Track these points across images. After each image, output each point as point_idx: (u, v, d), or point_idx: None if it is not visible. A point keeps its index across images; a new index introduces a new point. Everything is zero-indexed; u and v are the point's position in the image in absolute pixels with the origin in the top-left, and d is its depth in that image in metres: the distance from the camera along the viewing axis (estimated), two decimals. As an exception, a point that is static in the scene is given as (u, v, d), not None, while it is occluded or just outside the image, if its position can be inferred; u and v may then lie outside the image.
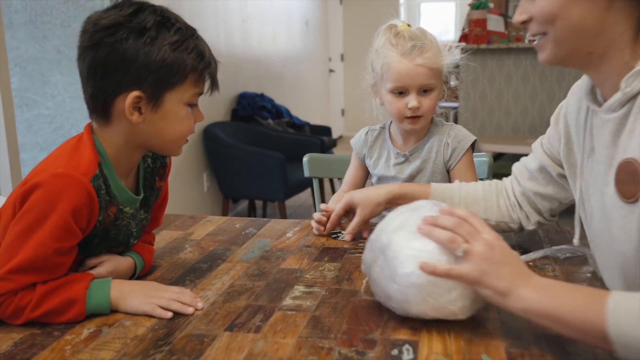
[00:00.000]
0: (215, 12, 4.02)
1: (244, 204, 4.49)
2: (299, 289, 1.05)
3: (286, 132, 4.27)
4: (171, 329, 0.90)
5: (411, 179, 1.48)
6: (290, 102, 5.27)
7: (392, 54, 1.38)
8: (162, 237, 1.36)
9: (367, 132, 1.57)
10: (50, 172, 0.93)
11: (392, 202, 1.29)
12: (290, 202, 4.64)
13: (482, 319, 0.91)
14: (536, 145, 1.19)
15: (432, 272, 0.83)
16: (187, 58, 0.98)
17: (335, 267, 1.15)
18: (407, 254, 0.87)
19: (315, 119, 5.94)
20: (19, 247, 0.91)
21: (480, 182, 1.31)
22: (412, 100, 1.38)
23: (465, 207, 1.18)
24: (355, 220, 1.30)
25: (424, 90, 1.39)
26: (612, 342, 0.70)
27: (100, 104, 0.97)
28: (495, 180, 1.30)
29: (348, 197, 1.33)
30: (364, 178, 1.59)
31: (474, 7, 4.51)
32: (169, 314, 0.94)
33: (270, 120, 4.37)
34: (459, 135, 1.48)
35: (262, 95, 4.57)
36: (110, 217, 1.01)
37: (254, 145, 3.90)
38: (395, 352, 0.81)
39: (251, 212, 4.33)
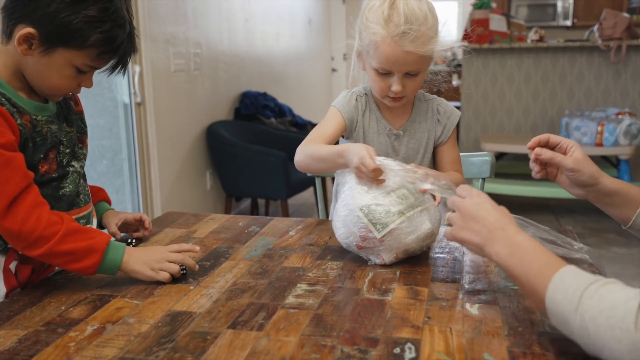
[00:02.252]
0: (218, 12, 4.02)
1: (246, 203, 4.50)
2: (301, 287, 1.05)
3: (289, 131, 4.27)
4: (174, 326, 0.90)
5: (407, 160, 1.41)
6: (292, 101, 5.26)
7: (383, 33, 1.26)
8: (166, 235, 1.37)
9: (356, 98, 1.45)
10: None
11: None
12: (292, 201, 4.65)
13: (484, 318, 0.91)
14: None
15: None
16: (92, 35, 1.03)
17: (337, 266, 1.15)
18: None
19: (317, 118, 5.92)
20: None
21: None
22: (396, 84, 1.31)
23: None
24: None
25: (409, 73, 1.32)
26: (546, 309, 0.79)
27: (5, 23, 1.06)
28: None
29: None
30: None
31: (476, 6, 4.51)
32: (173, 270, 1.08)
33: (272, 119, 4.36)
34: (447, 111, 1.46)
35: (264, 94, 4.57)
36: (28, 125, 1.08)
37: (257, 144, 3.90)
38: (397, 350, 0.82)
39: (254, 210, 4.34)
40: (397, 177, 1.16)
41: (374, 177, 1.14)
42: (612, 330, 0.69)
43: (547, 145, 1.14)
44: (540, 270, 0.81)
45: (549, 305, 0.78)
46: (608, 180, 1.10)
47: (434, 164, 1.50)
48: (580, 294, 0.74)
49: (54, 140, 1.13)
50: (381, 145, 1.45)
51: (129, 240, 1.27)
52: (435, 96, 1.49)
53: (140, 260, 1.08)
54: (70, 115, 1.21)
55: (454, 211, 0.98)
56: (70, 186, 1.16)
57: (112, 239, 1.08)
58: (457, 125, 1.49)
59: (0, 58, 1.08)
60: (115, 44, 1.07)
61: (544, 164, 1.17)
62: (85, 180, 1.23)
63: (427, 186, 1.12)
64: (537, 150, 1.13)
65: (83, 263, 1.04)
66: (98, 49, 1.05)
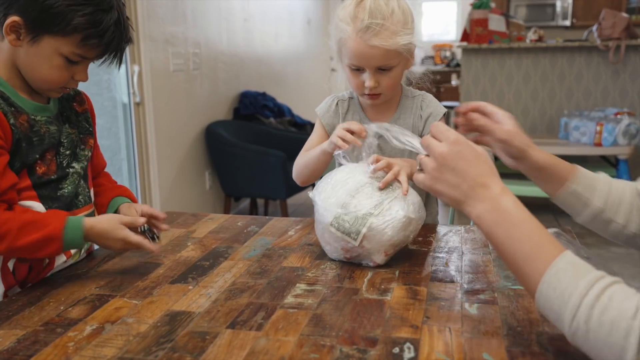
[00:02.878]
0: (217, 12, 4.02)
1: (245, 203, 4.50)
2: (300, 287, 1.05)
3: (288, 131, 4.27)
4: (173, 326, 0.90)
5: (392, 154, 1.39)
6: (292, 101, 5.26)
7: (349, 30, 1.29)
8: (164, 235, 1.37)
9: (337, 103, 1.49)
10: None
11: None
12: (291, 201, 4.64)
13: (483, 318, 0.91)
14: None
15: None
16: (75, 18, 1.02)
17: (336, 266, 1.15)
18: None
19: (316, 118, 5.92)
20: None
21: (622, 181, 1.11)
22: (368, 80, 1.33)
23: (605, 203, 1.06)
24: None
25: (382, 69, 1.33)
26: (536, 299, 0.74)
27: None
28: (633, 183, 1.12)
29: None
30: None
31: (475, 6, 4.51)
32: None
33: (272, 119, 4.36)
34: (431, 106, 1.46)
35: (264, 94, 4.57)
36: (25, 124, 1.08)
37: (256, 144, 3.90)
38: (396, 350, 0.82)
39: (253, 210, 4.34)
40: (358, 176, 1.17)
41: (357, 132, 1.21)
42: (611, 348, 0.66)
43: (480, 112, 1.11)
44: (532, 254, 0.75)
45: (539, 298, 0.74)
46: (538, 154, 1.07)
47: None
48: (579, 302, 0.69)
49: (51, 142, 1.13)
50: (365, 143, 1.44)
51: (152, 236, 1.20)
52: (423, 92, 1.50)
53: (100, 240, 1.09)
54: (72, 117, 1.21)
55: (427, 155, 0.87)
56: (70, 187, 1.16)
57: (68, 218, 1.06)
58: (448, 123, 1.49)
59: (0, 56, 1.08)
60: (100, 29, 1.04)
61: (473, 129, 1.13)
62: (86, 181, 1.23)
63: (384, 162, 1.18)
64: (473, 114, 1.09)
65: (46, 251, 1.05)
66: (81, 33, 1.04)
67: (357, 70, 1.34)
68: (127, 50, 3.20)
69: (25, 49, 1.05)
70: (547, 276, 0.73)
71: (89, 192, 1.24)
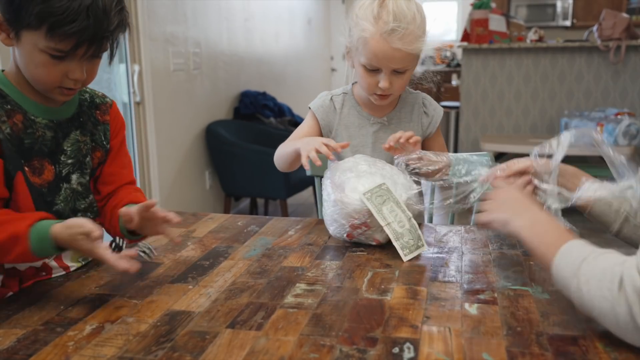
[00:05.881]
0: (218, 11, 4.02)
1: (245, 202, 4.50)
2: (300, 286, 1.05)
3: (288, 131, 4.27)
4: (173, 326, 0.90)
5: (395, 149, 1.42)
6: (292, 100, 5.26)
7: (372, 30, 1.29)
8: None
9: (331, 99, 1.50)
10: None
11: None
12: (292, 201, 4.64)
13: (483, 318, 0.91)
14: None
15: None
16: (36, 7, 0.94)
17: (336, 265, 1.15)
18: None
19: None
20: None
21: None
22: (383, 81, 1.34)
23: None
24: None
25: (396, 71, 1.35)
26: (552, 274, 0.90)
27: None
28: None
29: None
30: None
31: (475, 6, 4.51)
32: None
33: (272, 119, 4.36)
34: (432, 104, 1.52)
35: (264, 94, 4.57)
36: (19, 125, 1.03)
37: (256, 144, 3.90)
38: (396, 350, 0.82)
39: (253, 210, 4.34)
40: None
41: (333, 148, 1.25)
42: (601, 290, 0.81)
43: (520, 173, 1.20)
44: (553, 241, 0.92)
45: (554, 270, 0.89)
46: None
47: None
48: (581, 262, 0.85)
49: (41, 149, 1.06)
50: (365, 138, 1.47)
51: (144, 251, 1.09)
52: (418, 91, 1.53)
53: (72, 249, 0.98)
54: (88, 124, 1.15)
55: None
56: (62, 204, 1.10)
57: (39, 220, 0.97)
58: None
59: (14, 59, 1.05)
60: (64, 17, 0.93)
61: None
62: (86, 196, 1.15)
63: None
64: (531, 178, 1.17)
65: (14, 253, 0.96)
66: (46, 22, 0.94)
67: (373, 70, 1.35)
68: (127, 49, 3.19)
69: (17, 48, 1.01)
70: (561, 251, 0.89)
71: (95, 207, 1.17)
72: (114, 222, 1.14)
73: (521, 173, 1.19)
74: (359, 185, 1.21)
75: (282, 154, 1.49)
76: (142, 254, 1.09)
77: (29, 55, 0.99)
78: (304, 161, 1.27)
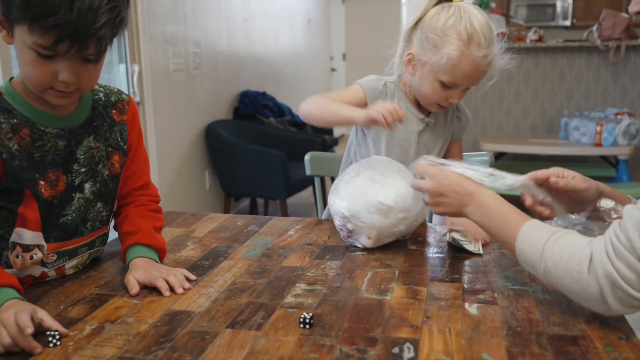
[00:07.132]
0: (218, 11, 4.02)
1: (245, 202, 4.49)
2: (300, 286, 1.05)
3: (288, 131, 4.27)
4: (173, 326, 0.90)
5: (426, 148, 1.45)
6: (292, 100, 5.26)
7: (466, 52, 1.27)
8: (165, 234, 1.36)
9: (385, 84, 1.44)
10: None
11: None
12: (291, 201, 4.64)
13: (483, 318, 0.91)
14: None
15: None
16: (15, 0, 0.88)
17: (336, 265, 1.15)
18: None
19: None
20: None
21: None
22: (455, 97, 1.35)
23: None
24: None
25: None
26: (516, 255, 0.96)
27: None
28: None
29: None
30: None
31: (476, 6, 4.51)
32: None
33: (272, 119, 4.36)
34: (465, 110, 1.54)
35: (264, 94, 4.56)
36: (26, 139, 0.99)
37: (256, 144, 3.90)
38: (396, 350, 0.82)
39: (253, 210, 4.33)
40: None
41: (399, 118, 1.19)
42: (570, 273, 0.87)
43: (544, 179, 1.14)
44: (508, 226, 0.98)
45: (518, 254, 0.95)
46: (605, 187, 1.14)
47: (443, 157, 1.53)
48: (543, 245, 0.91)
49: (55, 160, 1.02)
50: (410, 135, 1.44)
51: (51, 339, 0.86)
52: None
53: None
54: (103, 127, 1.11)
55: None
56: (73, 214, 1.06)
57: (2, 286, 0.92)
58: None
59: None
60: (44, 8, 0.86)
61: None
62: (97, 204, 1.11)
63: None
64: (553, 179, 1.11)
65: None
66: (28, 14, 0.87)
67: (449, 86, 1.33)
68: (127, 49, 3.18)
69: (14, 46, 0.95)
70: (520, 235, 0.95)
71: (105, 215, 1.14)
72: (122, 248, 1.15)
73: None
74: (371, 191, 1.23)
75: (324, 108, 1.35)
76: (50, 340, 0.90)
77: (20, 53, 0.94)
78: (381, 120, 1.18)
